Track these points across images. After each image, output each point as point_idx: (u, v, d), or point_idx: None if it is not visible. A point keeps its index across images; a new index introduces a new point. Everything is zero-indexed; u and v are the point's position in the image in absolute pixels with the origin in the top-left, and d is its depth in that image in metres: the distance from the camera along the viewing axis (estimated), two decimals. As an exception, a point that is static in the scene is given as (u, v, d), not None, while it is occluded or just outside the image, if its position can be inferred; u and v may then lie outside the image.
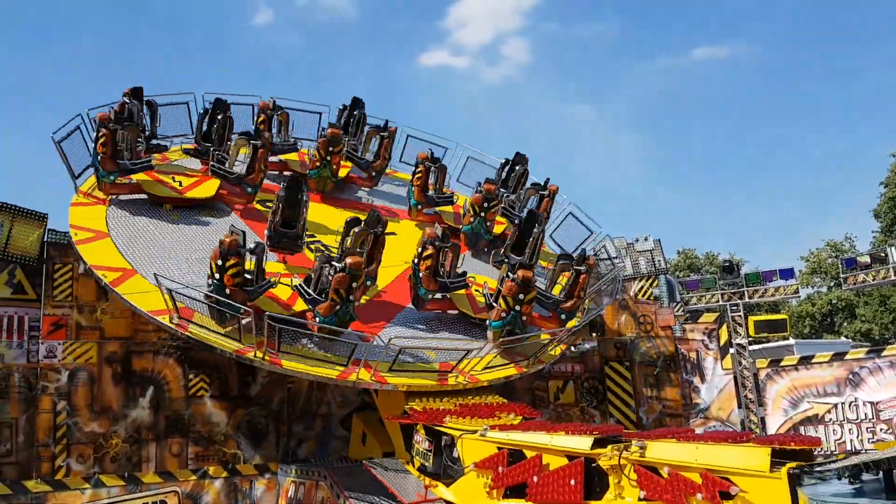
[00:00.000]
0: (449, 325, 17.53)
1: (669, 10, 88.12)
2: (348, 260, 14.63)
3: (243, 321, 14.13)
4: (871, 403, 22.42)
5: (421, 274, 16.56)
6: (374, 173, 22.11)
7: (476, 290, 17.65)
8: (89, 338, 17.72)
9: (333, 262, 15.21)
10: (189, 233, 17.61)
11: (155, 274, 14.31)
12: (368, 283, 16.47)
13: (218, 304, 14.38)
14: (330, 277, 14.97)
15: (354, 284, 14.76)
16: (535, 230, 18.93)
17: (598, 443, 9.49)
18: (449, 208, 21.71)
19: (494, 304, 16.69)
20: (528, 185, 22.36)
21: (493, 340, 16.47)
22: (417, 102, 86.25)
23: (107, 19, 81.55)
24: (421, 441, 14.03)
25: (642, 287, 24.23)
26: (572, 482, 9.58)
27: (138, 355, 18.10)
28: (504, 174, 22.52)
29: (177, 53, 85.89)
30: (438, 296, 17.25)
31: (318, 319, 14.92)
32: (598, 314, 21.25)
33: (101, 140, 17.04)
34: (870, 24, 77.76)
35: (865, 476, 7.20)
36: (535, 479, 10.34)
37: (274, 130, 21.66)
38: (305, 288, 15.59)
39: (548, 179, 21.71)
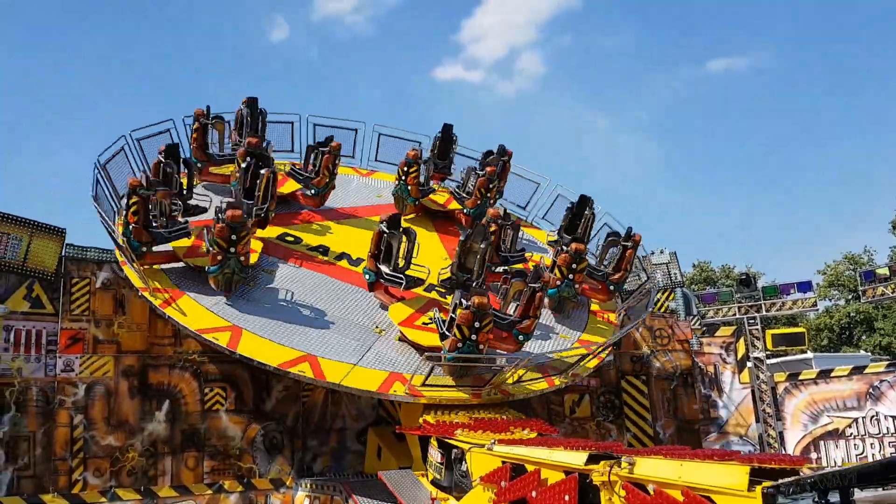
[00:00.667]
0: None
1: (684, 22, 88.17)
2: (475, 299, 14.98)
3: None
4: (893, 418, 22.17)
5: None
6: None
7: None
8: (106, 351, 17.83)
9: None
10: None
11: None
12: (520, 338, 16.55)
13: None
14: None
15: (478, 324, 15.07)
16: (482, 246, 18.03)
17: (593, 458, 9.60)
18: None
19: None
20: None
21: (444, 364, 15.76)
22: (432, 116, 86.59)
23: (113, 28, 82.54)
24: (434, 454, 14.04)
25: (658, 300, 24.11)
26: (567, 497, 9.73)
27: (154, 369, 18.18)
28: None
29: (194, 69, 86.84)
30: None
31: (519, 338, 16.37)
32: (633, 328, 21.07)
33: (133, 209, 16.01)
34: (891, 32, 77.37)
35: (832, 496, 7.22)
36: (534, 493, 10.49)
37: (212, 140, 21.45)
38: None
39: (630, 229, 20.01)
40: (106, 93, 79.65)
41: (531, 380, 16.69)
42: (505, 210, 20.99)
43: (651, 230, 78.69)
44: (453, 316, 15.43)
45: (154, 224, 16.50)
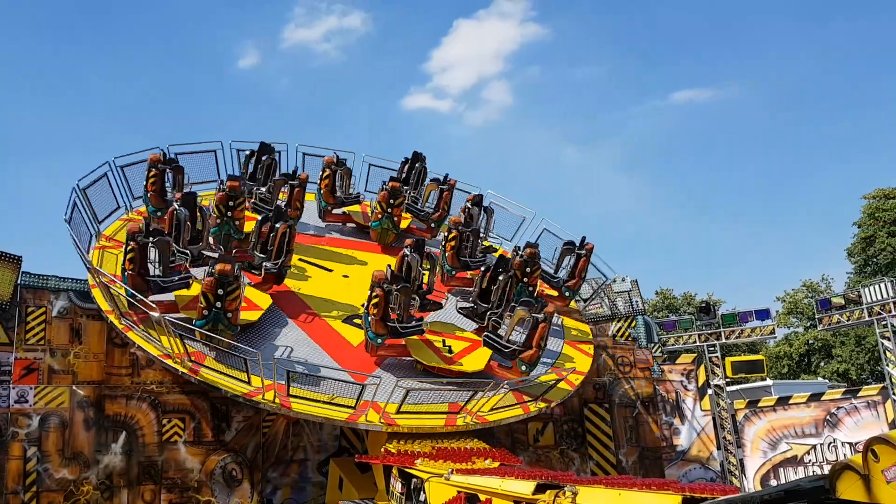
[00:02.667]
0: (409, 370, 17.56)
1: (650, 54, 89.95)
2: (217, 266, 15.07)
3: (153, 315, 14.83)
4: (850, 444, 22.48)
5: (370, 318, 16.41)
6: (433, 224, 22.86)
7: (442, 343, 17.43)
8: (61, 382, 17.47)
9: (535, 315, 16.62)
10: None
11: (163, 316, 14.65)
12: (523, 368, 17.50)
13: (129, 295, 14.97)
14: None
15: (221, 291, 15.17)
16: (500, 277, 18.93)
17: (540, 488, 9.78)
18: (357, 207, 22.51)
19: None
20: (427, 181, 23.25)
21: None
22: (403, 143, 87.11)
23: (76, 53, 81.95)
24: (395, 484, 14.03)
25: (620, 328, 24.32)
26: None
27: (111, 399, 17.83)
28: (405, 173, 23.42)
29: (165, 98, 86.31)
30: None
31: (522, 368, 17.15)
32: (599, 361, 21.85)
33: (130, 255, 15.63)
34: (846, 70, 79.81)
35: None
36: None
37: (337, 184, 22.16)
38: (497, 339, 17.07)
39: (584, 238, 21.51)
40: (67, 119, 78.81)
41: (506, 406, 16.82)
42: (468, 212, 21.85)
43: (617, 257, 79.55)
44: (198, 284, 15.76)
45: (151, 272, 16.05)
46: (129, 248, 15.63)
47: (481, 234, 21.66)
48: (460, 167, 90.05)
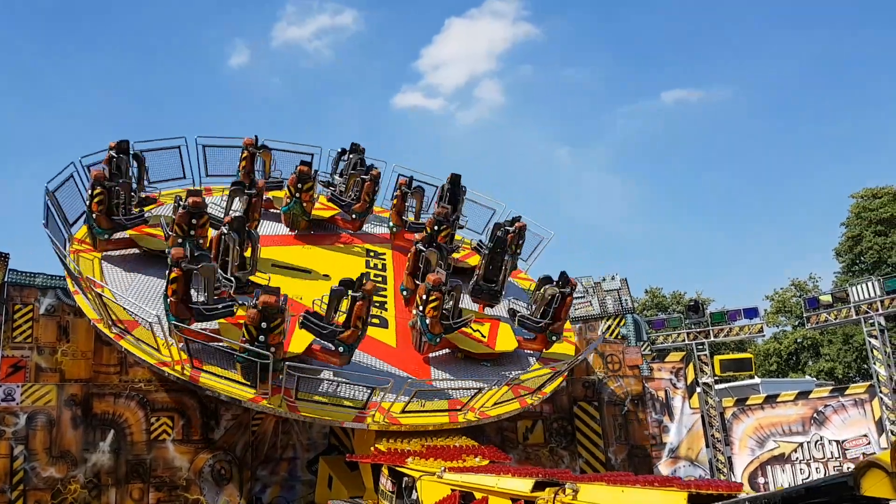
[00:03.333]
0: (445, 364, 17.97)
1: (641, 55, 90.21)
2: (261, 298, 14.56)
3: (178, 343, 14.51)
4: (837, 442, 22.61)
5: (428, 319, 16.94)
6: (354, 215, 21.87)
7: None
8: (49, 380, 17.40)
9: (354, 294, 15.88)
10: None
11: (174, 324, 14.35)
12: (553, 338, 18.53)
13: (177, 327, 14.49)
14: None
15: (265, 325, 14.61)
16: (505, 259, 19.61)
17: (539, 486, 9.69)
18: (280, 193, 21.50)
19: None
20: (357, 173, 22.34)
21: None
22: (394, 142, 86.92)
23: (66, 50, 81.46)
24: (385, 482, 13.98)
25: (609, 326, 24.39)
26: None
27: (99, 398, 17.77)
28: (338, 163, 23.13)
29: (154, 95, 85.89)
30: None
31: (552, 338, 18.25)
32: (596, 347, 21.70)
33: (98, 199, 16.79)
34: (836, 71, 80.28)
35: None
36: None
37: (258, 168, 21.43)
38: (315, 321, 16.21)
39: (563, 273, 19.79)
40: (56, 117, 78.36)
41: (505, 401, 16.92)
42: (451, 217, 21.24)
43: (608, 255, 79.80)
44: (173, 217, 15.94)
45: (114, 214, 17.16)
46: (97, 192, 16.59)
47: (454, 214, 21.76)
48: (451, 166, 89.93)
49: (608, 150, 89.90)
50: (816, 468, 22.64)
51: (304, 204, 20.41)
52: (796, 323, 49.81)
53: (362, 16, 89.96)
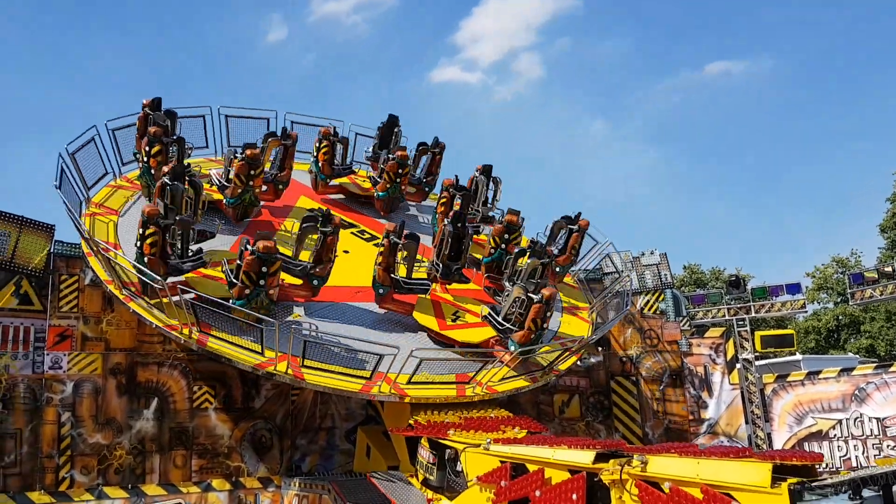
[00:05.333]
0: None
1: (682, 27, 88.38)
2: (259, 244, 14.60)
3: (172, 297, 14.31)
4: (877, 419, 22.28)
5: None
6: (427, 189, 22.43)
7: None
8: (94, 349, 17.74)
9: (531, 294, 16.02)
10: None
11: (179, 287, 14.33)
12: (512, 348, 16.32)
13: (139, 272, 14.47)
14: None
15: (265, 269, 14.80)
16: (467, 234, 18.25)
17: (601, 457, 9.37)
18: (346, 179, 21.81)
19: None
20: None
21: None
22: (430, 117, 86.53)
23: (111, 36, 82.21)
24: (425, 454, 13.98)
25: (648, 301, 24.18)
26: (574, 497, 9.47)
27: (143, 366, 18.12)
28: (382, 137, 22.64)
29: (190, 69, 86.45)
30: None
31: (511, 348, 16.22)
32: (610, 328, 21.07)
33: (150, 240, 14.57)
34: (881, 41, 77.87)
35: (866, 492, 7.13)
36: (538, 493, 10.23)
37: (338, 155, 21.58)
38: (495, 317, 16.55)
39: (579, 214, 20.35)
40: (98, 92, 79.32)
41: (513, 376, 16.67)
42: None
43: (644, 232, 79.01)
44: (239, 263, 14.94)
45: (170, 254, 15.20)
46: (150, 231, 14.55)
47: (489, 204, 21.69)
48: (488, 140, 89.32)
49: (647, 123, 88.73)
50: (855, 445, 22.35)
51: (402, 188, 21.07)
52: (838, 300, 48.95)
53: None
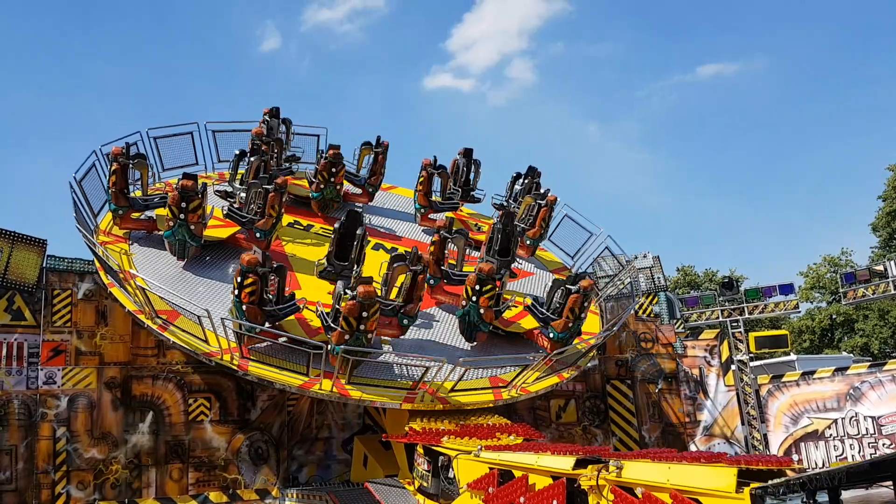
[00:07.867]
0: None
1: (675, 28, 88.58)
2: (360, 289, 14.40)
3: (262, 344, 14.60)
4: (873, 418, 22.35)
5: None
6: (370, 189, 22.10)
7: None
8: (88, 363, 17.69)
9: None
10: (216, 272, 17.48)
11: (222, 319, 14.41)
12: (405, 321, 16.11)
13: (241, 325, 14.56)
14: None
15: (365, 314, 14.45)
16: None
17: (580, 463, 9.61)
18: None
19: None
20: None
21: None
22: (422, 125, 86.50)
23: (105, 45, 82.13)
24: (420, 461, 14.02)
25: (642, 304, 24.24)
26: (555, 502, 9.74)
27: (138, 380, 18.06)
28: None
29: (183, 78, 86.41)
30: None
31: (550, 335, 16.93)
32: (617, 329, 21.11)
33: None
34: (868, 38, 78.37)
35: (821, 497, 7.21)
36: (522, 499, 10.48)
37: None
38: (538, 307, 17.26)
39: (548, 190, 21.49)
40: (87, 102, 79.21)
41: (542, 376, 16.88)
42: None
43: (638, 234, 79.18)
44: (338, 307, 14.75)
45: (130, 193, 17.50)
46: (112, 168, 17.07)
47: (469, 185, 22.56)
48: (481, 147, 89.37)
49: (640, 125, 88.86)
50: (850, 444, 22.42)
51: (337, 187, 20.79)
52: (831, 299, 49.13)
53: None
